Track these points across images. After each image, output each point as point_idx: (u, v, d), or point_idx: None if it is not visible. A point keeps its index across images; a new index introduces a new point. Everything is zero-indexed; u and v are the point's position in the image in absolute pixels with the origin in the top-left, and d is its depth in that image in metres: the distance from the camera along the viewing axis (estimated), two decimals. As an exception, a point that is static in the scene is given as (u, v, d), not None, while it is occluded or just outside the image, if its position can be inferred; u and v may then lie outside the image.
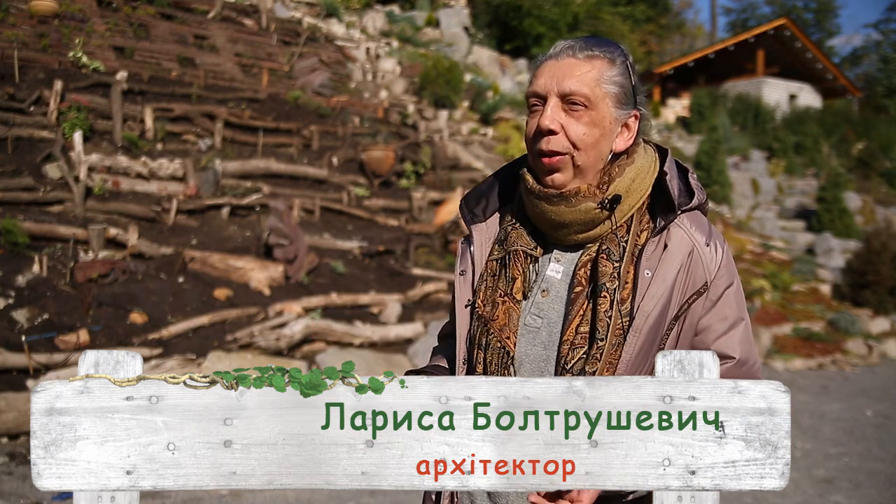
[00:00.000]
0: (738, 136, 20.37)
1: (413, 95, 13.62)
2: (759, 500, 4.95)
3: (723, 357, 1.35)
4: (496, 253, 1.42)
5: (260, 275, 7.56)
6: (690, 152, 18.32)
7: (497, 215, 1.48)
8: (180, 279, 7.25)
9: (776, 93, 24.25)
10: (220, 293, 7.15)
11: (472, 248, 1.45)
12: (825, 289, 12.91)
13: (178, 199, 8.28)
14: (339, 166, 10.33)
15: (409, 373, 1.46)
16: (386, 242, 9.16)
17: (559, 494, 1.22)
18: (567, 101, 1.32)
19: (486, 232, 1.46)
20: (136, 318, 6.45)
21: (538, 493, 1.21)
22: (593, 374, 1.28)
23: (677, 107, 23.49)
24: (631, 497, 1.31)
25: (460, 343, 1.43)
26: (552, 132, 1.32)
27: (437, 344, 1.70)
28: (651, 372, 1.29)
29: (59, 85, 8.47)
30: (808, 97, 25.30)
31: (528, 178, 1.37)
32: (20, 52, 8.94)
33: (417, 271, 8.73)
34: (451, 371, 1.51)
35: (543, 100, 1.35)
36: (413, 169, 10.67)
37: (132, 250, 7.31)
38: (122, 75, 9.41)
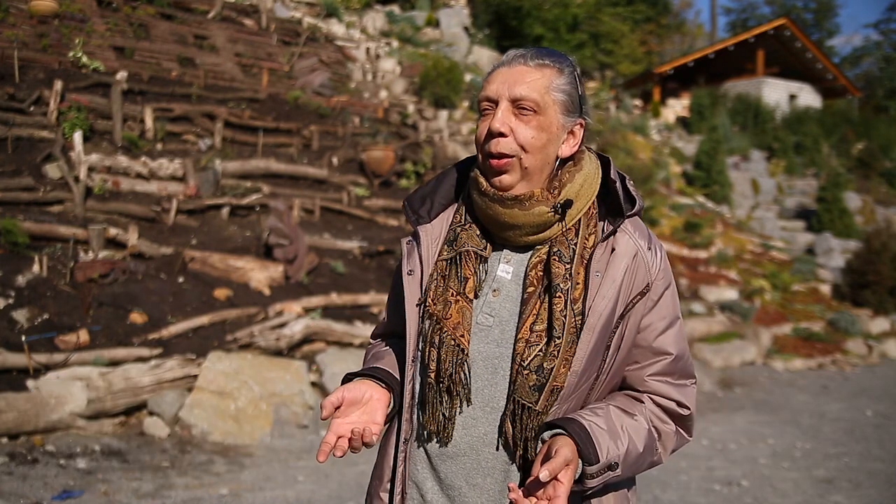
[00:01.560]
0: (738, 136, 20.36)
1: (413, 95, 13.61)
2: (758, 499, 4.95)
3: (662, 353, 1.45)
4: (445, 253, 1.47)
5: (260, 275, 7.56)
6: (690, 152, 18.32)
7: (442, 216, 1.53)
8: (180, 279, 7.25)
9: (776, 93, 24.24)
10: (220, 293, 7.14)
11: (419, 248, 1.49)
12: (825, 289, 12.91)
13: (178, 199, 8.28)
14: (339, 166, 10.33)
15: (348, 375, 1.51)
16: (386, 242, 9.16)
17: (537, 486, 1.26)
18: (517, 105, 1.39)
19: (431, 232, 1.51)
20: (136, 318, 6.45)
21: (513, 488, 1.25)
22: (550, 370, 1.34)
23: (677, 107, 23.49)
24: (590, 492, 1.37)
25: (410, 341, 1.47)
26: (502, 134, 1.39)
27: (371, 343, 1.74)
28: (601, 368, 1.39)
29: (59, 85, 8.47)
30: (808, 97, 25.29)
31: (482, 180, 1.43)
32: (20, 52, 8.94)
33: (417, 271, 8.72)
34: (398, 370, 1.55)
35: (495, 104, 1.41)
36: (413, 169, 10.67)
37: (132, 250, 7.31)
38: (122, 75, 9.41)
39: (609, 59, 24.06)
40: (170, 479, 4.80)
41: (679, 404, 1.47)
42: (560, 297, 1.36)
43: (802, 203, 17.56)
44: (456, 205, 1.54)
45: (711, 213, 15.19)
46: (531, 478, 1.28)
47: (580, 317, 1.37)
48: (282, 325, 6.74)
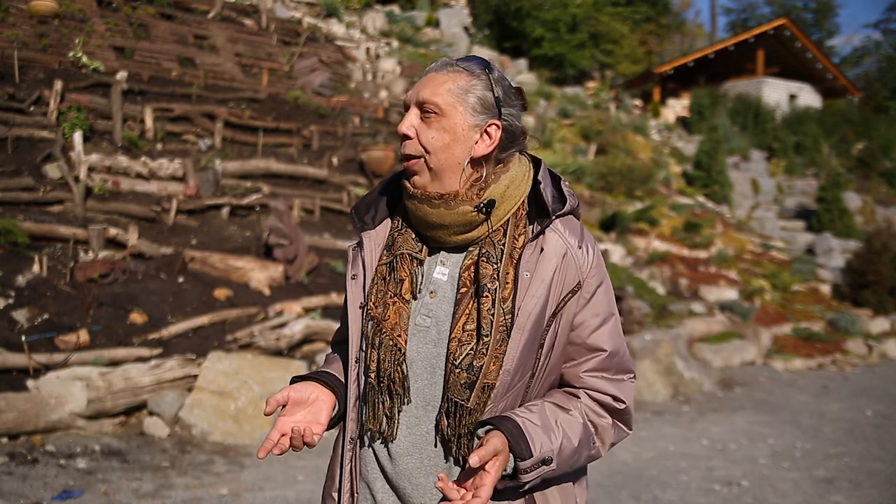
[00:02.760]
0: (738, 136, 20.36)
1: (413, 95, 13.60)
2: (758, 499, 4.95)
3: (598, 350, 1.48)
4: (385, 258, 1.53)
5: (260, 275, 7.56)
6: (690, 152, 18.31)
7: (385, 222, 1.58)
8: (180, 279, 7.24)
9: (776, 93, 24.24)
10: (220, 293, 7.14)
11: (363, 254, 1.55)
12: (825, 289, 12.91)
13: (178, 199, 8.28)
14: (339, 166, 10.33)
15: (295, 378, 1.55)
16: (386, 242, 9.15)
17: (467, 478, 1.30)
18: (422, 108, 1.45)
19: (375, 238, 1.56)
20: (136, 318, 6.45)
21: (443, 478, 1.28)
22: (480, 367, 1.38)
23: (677, 107, 23.49)
24: (527, 486, 1.39)
25: (353, 343, 1.51)
26: (407, 137, 1.46)
27: (330, 349, 1.78)
28: (536, 366, 1.43)
29: (59, 85, 8.47)
30: (808, 97, 25.29)
31: (407, 184, 1.49)
32: (20, 52, 8.94)
33: (417, 271, 8.72)
34: (343, 374, 1.59)
35: (408, 109, 1.49)
36: (413, 169, 10.67)
37: (132, 250, 7.31)
38: (122, 75, 9.41)
39: (609, 59, 24.06)
40: (170, 479, 4.80)
41: (615, 398, 1.49)
42: (487, 296, 1.40)
43: (802, 203, 17.56)
44: (395, 212, 1.59)
45: (711, 213, 15.19)
46: (463, 469, 1.33)
47: (510, 316, 1.40)
48: (282, 325, 6.74)
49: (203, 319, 6.61)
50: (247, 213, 8.81)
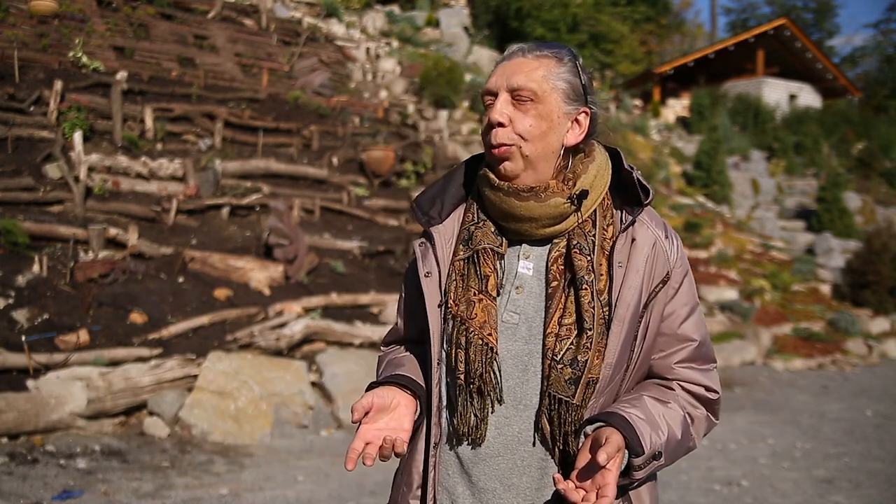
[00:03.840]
0: (738, 136, 20.36)
1: (413, 95, 13.61)
2: (758, 499, 4.95)
3: (688, 340, 1.47)
4: (462, 253, 1.46)
5: (260, 275, 7.56)
6: (690, 152, 18.32)
7: (453, 216, 1.52)
8: (180, 279, 7.24)
9: (776, 93, 24.24)
10: (220, 293, 7.14)
11: (434, 250, 1.48)
12: (825, 289, 12.90)
13: (178, 199, 8.28)
14: (339, 166, 10.33)
15: (372, 384, 1.47)
16: (386, 242, 9.16)
17: (583, 477, 1.27)
18: (515, 95, 1.40)
19: (445, 233, 1.50)
20: (136, 318, 6.45)
21: (560, 479, 1.25)
22: (585, 362, 1.34)
23: (677, 107, 23.48)
24: (635, 483, 1.37)
25: (434, 344, 1.44)
26: (501, 124, 1.40)
27: (384, 350, 1.69)
28: (630, 358, 1.39)
29: (59, 85, 8.47)
30: (808, 97, 25.28)
31: (491, 175, 1.44)
32: (20, 52, 8.93)
33: (417, 271, 8.71)
34: (421, 376, 1.52)
35: (495, 96, 1.43)
36: (413, 169, 10.67)
37: (132, 250, 7.31)
38: (122, 75, 9.41)
39: (609, 59, 24.06)
40: (170, 479, 4.80)
41: (707, 388, 1.47)
42: (586, 289, 1.37)
43: (802, 203, 17.55)
44: (465, 204, 1.53)
45: (711, 213, 15.19)
46: (577, 469, 1.29)
47: (607, 308, 1.37)
48: (282, 325, 6.74)
49: (203, 319, 6.61)
50: (247, 213, 8.81)
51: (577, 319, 1.37)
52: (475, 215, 1.49)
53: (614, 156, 1.50)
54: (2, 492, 4.30)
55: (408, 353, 1.61)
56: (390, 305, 7.72)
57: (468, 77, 15.27)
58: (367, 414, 1.38)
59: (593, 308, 1.36)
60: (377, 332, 7.16)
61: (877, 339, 11.10)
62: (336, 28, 15.06)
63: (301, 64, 12.37)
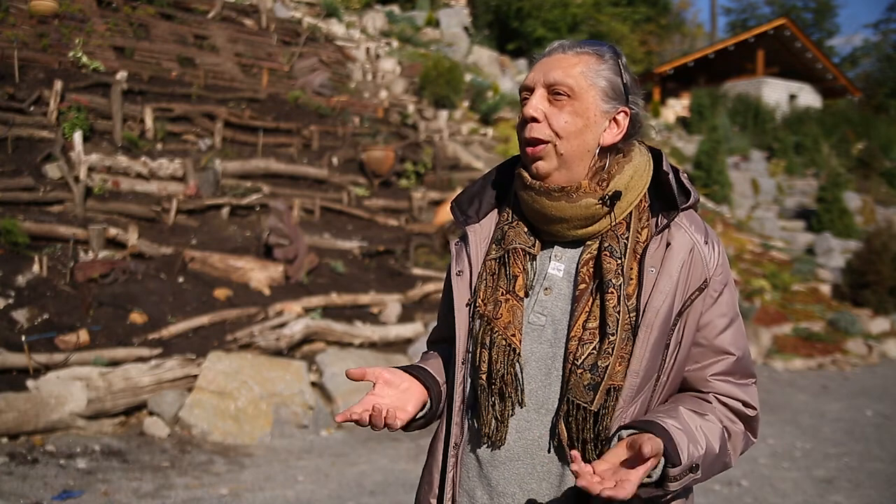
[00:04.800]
0: (738, 136, 20.37)
1: (413, 95, 13.61)
2: (758, 499, 4.95)
3: (725, 353, 1.40)
4: (494, 252, 1.44)
5: (260, 275, 7.56)
6: (690, 152, 18.32)
7: (491, 216, 1.50)
8: (180, 279, 7.24)
9: (776, 93, 24.25)
10: (220, 293, 7.14)
11: (468, 248, 1.46)
12: (825, 289, 12.90)
13: (178, 199, 8.28)
14: (339, 166, 10.33)
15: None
16: (386, 242, 9.16)
17: (612, 471, 1.20)
18: (552, 91, 1.37)
19: (480, 232, 1.48)
20: (136, 318, 6.45)
21: (577, 457, 1.19)
22: (605, 367, 1.30)
23: (677, 107, 23.49)
24: (669, 496, 1.32)
25: (460, 343, 1.43)
26: (535, 120, 1.37)
27: (426, 349, 1.70)
28: (662, 368, 1.33)
29: (59, 85, 8.47)
30: (808, 97, 25.30)
31: (525, 174, 1.41)
32: (20, 52, 8.93)
33: (417, 271, 8.73)
34: (443, 374, 1.53)
35: (531, 91, 1.40)
36: (413, 169, 10.67)
37: (132, 250, 7.31)
38: (122, 75, 9.41)
39: (609, 59, 24.01)
40: (170, 479, 4.80)
41: (745, 404, 1.42)
42: (613, 292, 1.32)
43: (802, 203, 17.56)
44: (503, 203, 1.51)
45: (711, 213, 15.19)
46: (602, 461, 1.22)
47: (634, 313, 1.32)
48: (282, 325, 6.74)
49: (203, 319, 6.61)
50: (247, 213, 8.81)
51: (601, 324, 1.33)
52: (510, 215, 1.47)
53: (657, 157, 1.45)
54: (2, 492, 4.30)
55: (436, 353, 1.60)
56: (390, 305, 7.73)
57: (468, 77, 15.28)
58: (375, 386, 1.39)
59: (618, 312, 1.31)
60: (377, 333, 7.17)
61: (877, 339, 11.09)
62: (336, 28, 15.06)
63: (301, 64, 12.37)
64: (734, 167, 18.32)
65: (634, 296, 1.34)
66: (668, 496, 1.31)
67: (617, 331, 1.31)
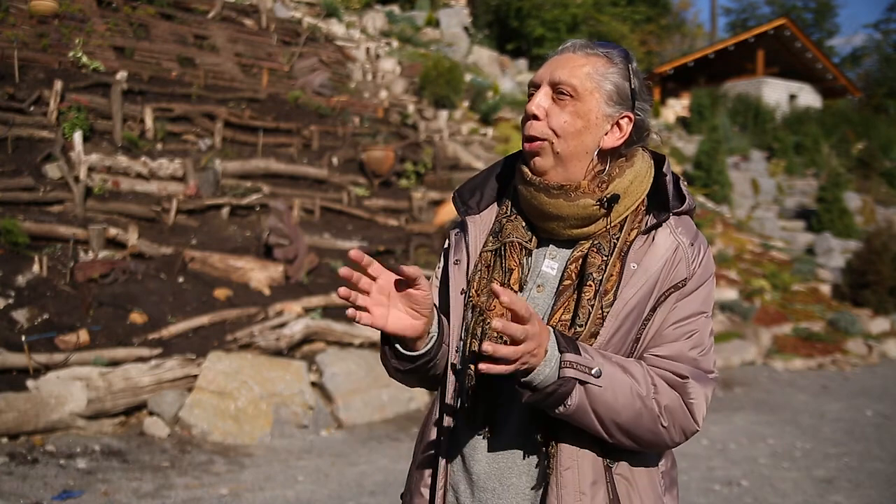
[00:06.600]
0: (738, 136, 20.36)
1: (413, 95, 13.61)
2: (758, 499, 4.95)
3: (676, 340, 1.37)
4: (490, 244, 1.45)
5: (260, 275, 7.56)
6: (690, 152, 18.31)
7: (491, 208, 1.52)
8: (180, 279, 7.25)
9: (776, 93, 24.25)
10: (220, 293, 7.14)
11: (467, 238, 1.48)
12: (825, 289, 12.90)
13: (178, 199, 8.28)
14: (339, 166, 10.33)
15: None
16: (386, 242, 9.16)
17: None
18: (556, 89, 1.38)
19: (480, 223, 1.49)
20: (136, 318, 6.45)
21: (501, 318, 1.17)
22: None
23: (677, 107, 23.49)
24: (570, 401, 1.26)
25: (454, 332, 1.44)
26: (535, 117, 1.38)
27: None
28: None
29: (59, 85, 8.47)
30: (808, 97, 25.30)
31: (525, 169, 1.42)
32: (20, 52, 8.93)
33: (417, 271, 8.71)
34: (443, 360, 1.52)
35: (538, 88, 1.41)
36: (413, 169, 10.67)
37: (132, 250, 7.31)
38: (122, 75, 9.41)
39: (609, 59, 24.01)
40: (170, 479, 4.80)
41: (676, 374, 1.34)
42: (591, 286, 1.34)
43: (802, 203, 17.56)
44: (504, 196, 1.52)
45: (711, 213, 15.19)
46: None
47: (609, 308, 1.33)
48: (282, 325, 6.74)
49: (203, 319, 6.61)
50: (247, 213, 8.81)
51: (573, 315, 1.34)
52: (509, 208, 1.48)
53: (659, 161, 1.46)
54: (2, 492, 4.30)
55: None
56: (390, 305, 7.71)
57: (468, 77, 15.28)
58: (373, 281, 1.36)
59: (591, 305, 1.33)
60: (377, 333, 7.14)
61: (877, 339, 11.10)
62: (336, 28, 15.06)
63: (301, 64, 12.37)
64: (734, 167, 18.32)
65: (612, 291, 1.34)
66: (568, 394, 1.25)
67: (586, 324, 1.32)
